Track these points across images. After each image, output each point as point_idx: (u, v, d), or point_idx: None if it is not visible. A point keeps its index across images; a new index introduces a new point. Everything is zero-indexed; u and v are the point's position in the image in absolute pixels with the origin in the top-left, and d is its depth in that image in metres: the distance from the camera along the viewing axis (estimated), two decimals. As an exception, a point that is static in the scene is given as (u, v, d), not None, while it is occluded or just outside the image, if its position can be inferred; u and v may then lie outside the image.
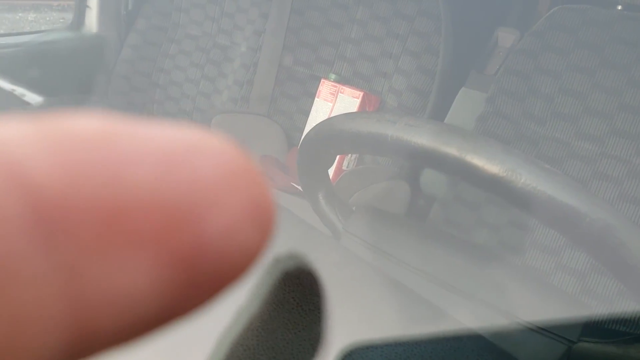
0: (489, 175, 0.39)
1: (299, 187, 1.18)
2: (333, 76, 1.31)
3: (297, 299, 0.16)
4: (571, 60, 1.01)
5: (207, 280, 0.08)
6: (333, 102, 1.28)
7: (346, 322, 0.38)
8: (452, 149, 0.40)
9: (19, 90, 0.95)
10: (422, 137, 0.41)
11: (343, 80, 1.31)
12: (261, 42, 1.41)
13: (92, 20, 1.58)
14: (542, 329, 0.42)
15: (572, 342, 0.43)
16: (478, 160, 0.39)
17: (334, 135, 0.49)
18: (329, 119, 0.51)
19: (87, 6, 1.57)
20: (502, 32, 1.18)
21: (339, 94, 1.28)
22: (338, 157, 1.21)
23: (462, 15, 1.23)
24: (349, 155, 1.25)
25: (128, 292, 0.07)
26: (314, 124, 0.54)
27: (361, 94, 1.24)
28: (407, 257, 0.49)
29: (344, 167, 1.25)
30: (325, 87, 1.30)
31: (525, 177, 0.37)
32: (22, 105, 0.93)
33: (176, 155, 0.08)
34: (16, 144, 0.07)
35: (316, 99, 1.31)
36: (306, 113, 1.34)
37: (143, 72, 1.60)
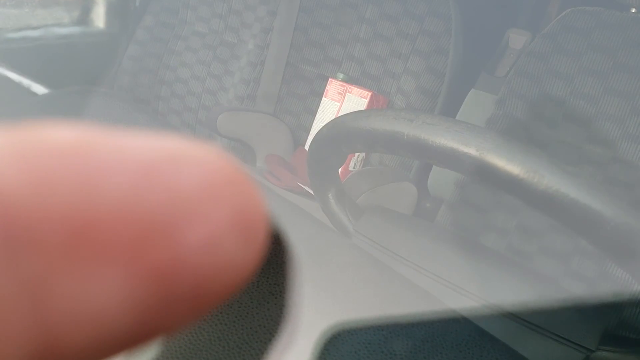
0: (510, 177, 0.37)
1: (305, 187, 1.17)
2: (341, 76, 1.30)
3: (266, 266, 0.16)
4: (583, 63, 1.00)
5: (185, 297, 0.07)
6: (340, 101, 1.27)
7: (357, 320, 0.36)
8: (471, 149, 0.39)
9: (25, 81, 0.95)
10: (440, 136, 0.40)
11: (351, 80, 1.29)
12: (269, 40, 1.40)
13: (99, 16, 1.58)
14: (561, 336, 0.41)
15: (591, 351, 0.42)
16: (498, 161, 0.38)
17: (347, 133, 0.48)
18: (342, 116, 0.50)
19: (95, 2, 1.56)
20: (513, 33, 1.17)
21: (347, 93, 1.26)
22: (345, 157, 1.20)
23: (473, 16, 1.22)
24: (356, 156, 1.24)
25: (99, 308, 0.07)
26: (321, 124, 0.53)
27: (369, 94, 1.23)
28: (421, 260, 0.48)
29: (350, 168, 1.24)
30: (333, 87, 1.29)
31: (548, 179, 0.36)
32: (28, 95, 0.94)
33: (155, 165, 0.07)
34: None
35: (323, 98, 1.30)
36: (313, 112, 1.33)
37: (149, 69, 1.59)
